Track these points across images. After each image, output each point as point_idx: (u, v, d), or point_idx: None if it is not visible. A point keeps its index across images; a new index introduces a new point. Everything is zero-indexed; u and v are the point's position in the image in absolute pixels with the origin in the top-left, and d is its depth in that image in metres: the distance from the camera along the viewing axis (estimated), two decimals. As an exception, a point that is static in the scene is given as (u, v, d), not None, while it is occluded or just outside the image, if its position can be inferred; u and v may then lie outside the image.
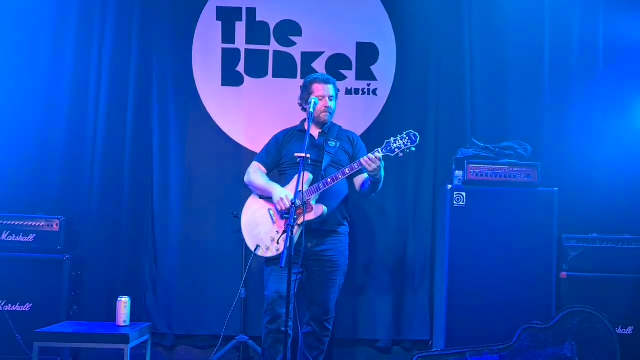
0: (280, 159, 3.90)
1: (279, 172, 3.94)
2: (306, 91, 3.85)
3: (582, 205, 4.49)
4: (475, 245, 4.15)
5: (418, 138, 3.55)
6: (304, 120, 3.89)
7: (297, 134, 3.91)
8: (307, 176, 3.65)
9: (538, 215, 4.15)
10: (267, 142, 4.00)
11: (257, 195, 3.85)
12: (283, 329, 3.44)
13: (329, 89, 3.82)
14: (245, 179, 3.94)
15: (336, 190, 3.71)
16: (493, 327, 4.05)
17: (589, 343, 3.85)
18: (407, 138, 3.56)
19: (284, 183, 3.80)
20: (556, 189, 4.20)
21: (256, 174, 3.89)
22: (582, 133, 4.67)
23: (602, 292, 4.16)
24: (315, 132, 3.87)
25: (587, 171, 4.61)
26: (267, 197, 3.78)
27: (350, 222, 3.91)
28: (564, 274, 4.20)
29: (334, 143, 3.79)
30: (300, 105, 3.90)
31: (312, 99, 3.71)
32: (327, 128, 3.88)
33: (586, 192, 4.54)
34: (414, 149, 3.57)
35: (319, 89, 3.81)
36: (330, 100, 3.82)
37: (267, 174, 3.91)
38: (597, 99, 4.69)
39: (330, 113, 3.83)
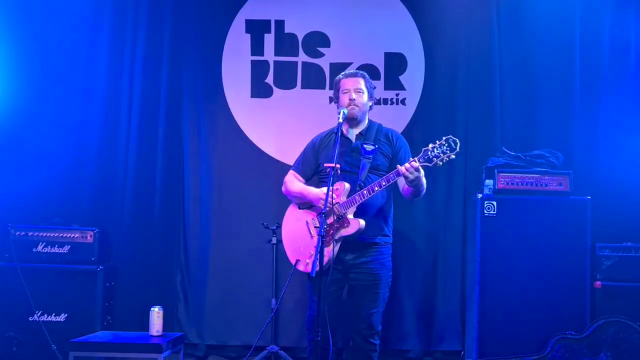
0: (317, 165, 3.77)
1: (319, 179, 3.80)
2: (335, 89, 3.77)
3: (615, 213, 4.42)
4: (506, 255, 4.11)
5: (458, 144, 3.37)
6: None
7: (334, 137, 3.68)
8: (344, 187, 3.53)
9: (571, 224, 4.11)
10: (302, 149, 3.91)
11: (296, 205, 3.75)
12: (325, 346, 3.39)
13: (356, 81, 3.68)
14: (282, 189, 3.86)
15: (373, 199, 3.55)
16: (526, 337, 4.01)
17: (625, 354, 3.80)
18: (447, 145, 3.36)
19: None
20: (589, 197, 4.15)
21: (292, 182, 3.78)
22: (615, 140, 4.60)
23: (637, 302, 4.08)
24: (352, 133, 3.71)
25: (620, 179, 4.54)
26: (306, 207, 3.69)
27: (394, 230, 3.78)
28: (598, 284, 4.13)
29: (371, 147, 3.61)
30: (336, 105, 3.82)
31: (341, 110, 3.61)
32: (365, 129, 3.71)
33: (620, 200, 4.47)
34: (454, 157, 3.38)
35: (345, 83, 3.71)
36: (358, 93, 3.65)
37: (306, 184, 3.80)
38: (629, 105, 4.62)
39: (357, 106, 3.65)
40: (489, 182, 4.26)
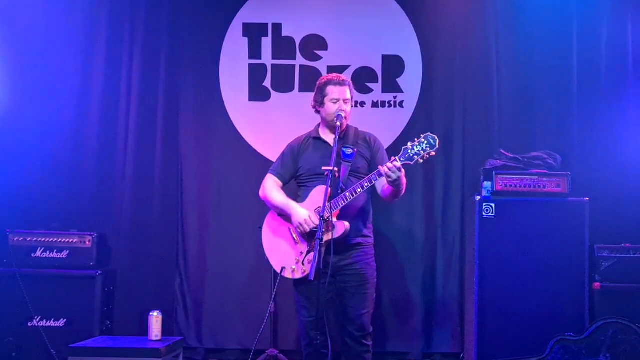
0: (296, 170, 3.72)
1: (298, 184, 3.75)
2: (320, 93, 3.65)
3: (614, 215, 4.41)
4: (505, 257, 4.11)
5: (438, 141, 3.35)
6: (318, 125, 3.74)
7: (312, 142, 3.70)
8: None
9: (569, 225, 4.11)
10: (281, 151, 3.80)
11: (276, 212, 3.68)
12: (322, 350, 3.39)
13: (344, 91, 3.61)
14: (260, 193, 3.73)
15: (354, 201, 3.50)
16: (525, 339, 4.01)
17: (624, 355, 3.79)
18: (426, 142, 3.34)
19: (302, 196, 3.64)
20: (587, 198, 4.15)
21: (272, 189, 3.68)
22: (613, 141, 4.60)
23: (636, 303, 4.08)
24: (329, 138, 3.65)
25: (618, 180, 4.53)
26: (286, 216, 3.61)
27: (375, 230, 3.74)
28: (597, 285, 4.13)
29: (350, 150, 3.56)
30: (314, 107, 3.71)
31: (339, 114, 3.54)
32: (343, 133, 3.65)
33: (618, 201, 4.47)
34: (434, 154, 3.37)
35: (333, 91, 3.61)
36: (345, 103, 3.61)
37: (283, 187, 3.74)
38: (627, 106, 4.62)
39: (346, 118, 3.60)
40: (487, 184, 4.26)
